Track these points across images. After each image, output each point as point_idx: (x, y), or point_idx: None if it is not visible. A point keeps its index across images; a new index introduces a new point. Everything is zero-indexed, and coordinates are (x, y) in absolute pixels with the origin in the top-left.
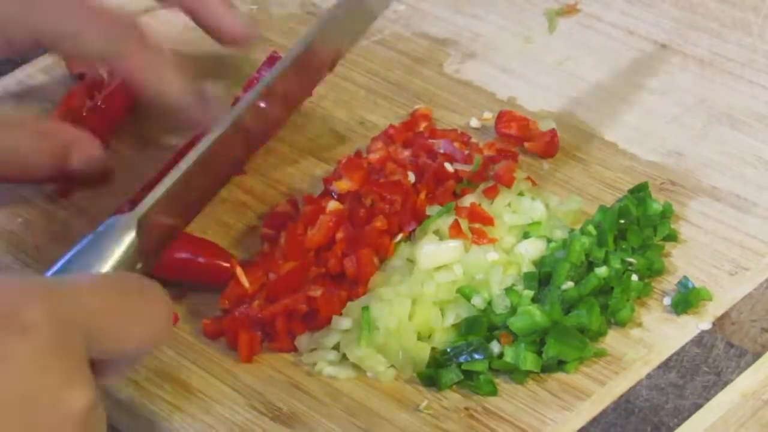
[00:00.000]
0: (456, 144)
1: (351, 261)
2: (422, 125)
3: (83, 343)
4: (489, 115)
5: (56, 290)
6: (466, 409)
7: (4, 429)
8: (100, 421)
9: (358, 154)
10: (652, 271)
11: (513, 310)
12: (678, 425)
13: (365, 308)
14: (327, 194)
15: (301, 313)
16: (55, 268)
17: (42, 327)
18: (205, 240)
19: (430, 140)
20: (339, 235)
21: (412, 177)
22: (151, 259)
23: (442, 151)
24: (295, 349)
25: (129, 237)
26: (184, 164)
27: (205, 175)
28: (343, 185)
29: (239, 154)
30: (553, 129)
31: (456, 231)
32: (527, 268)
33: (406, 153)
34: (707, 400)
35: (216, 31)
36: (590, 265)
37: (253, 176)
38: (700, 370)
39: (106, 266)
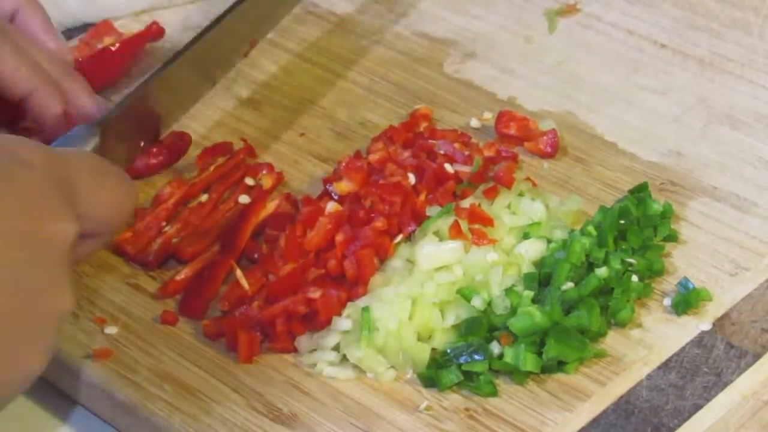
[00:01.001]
0: (456, 145)
1: (351, 263)
2: (422, 125)
3: (71, 192)
4: (489, 115)
5: (48, 147)
6: (467, 409)
7: (4, 243)
8: (71, 274)
9: (357, 154)
10: (653, 272)
11: (513, 311)
12: (678, 426)
13: (365, 309)
14: (326, 194)
15: (301, 315)
16: None
17: (40, 164)
18: None
19: (431, 141)
20: (339, 238)
21: (412, 178)
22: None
23: (442, 152)
24: (295, 350)
25: (92, 142)
26: (144, 83)
27: (163, 92)
28: (343, 187)
29: (195, 81)
30: (553, 129)
31: (456, 232)
32: (527, 268)
33: (407, 154)
34: (707, 400)
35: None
36: (590, 266)
37: None
38: (700, 370)
39: None
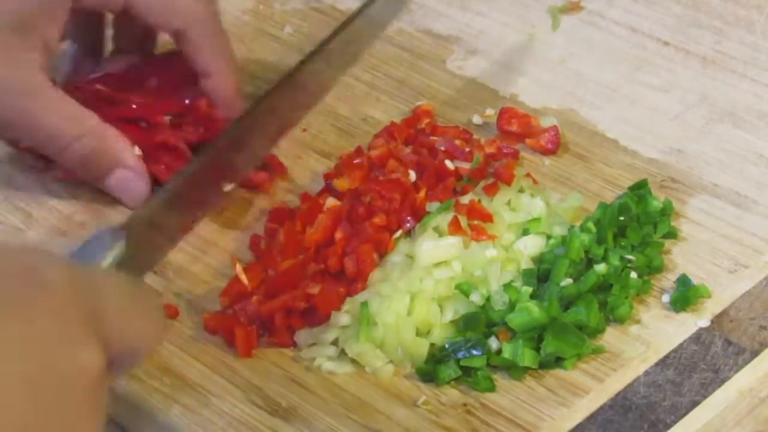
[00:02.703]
0: (457, 141)
1: (351, 260)
2: (424, 122)
3: (97, 316)
4: (491, 112)
5: (73, 264)
6: (464, 404)
7: (21, 373)
8: (104, 401)
9: (358, 150)
10: (652, 269)
11: (511, 307)
12: (675, 422)
13: (364, 304)
14: (327, 190)
15: (300, 310)
16: None
17: (60, 285)
18: None
19: (432, 137)
20: (338, 235)
21: (413, 176)
22: (144, 268)
23: (443, 148)
24: (294, 344)
25: (117, 248)
26: (173, 181)
27: (195, 190)
28: (343, 183)
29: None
30: (555, 126)
31: (455, 228)
32: (526, 264)
33: (408, 150)
34: (704, 397)
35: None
36: (589, 262)
37: None
38: (697, 367)
39: None
